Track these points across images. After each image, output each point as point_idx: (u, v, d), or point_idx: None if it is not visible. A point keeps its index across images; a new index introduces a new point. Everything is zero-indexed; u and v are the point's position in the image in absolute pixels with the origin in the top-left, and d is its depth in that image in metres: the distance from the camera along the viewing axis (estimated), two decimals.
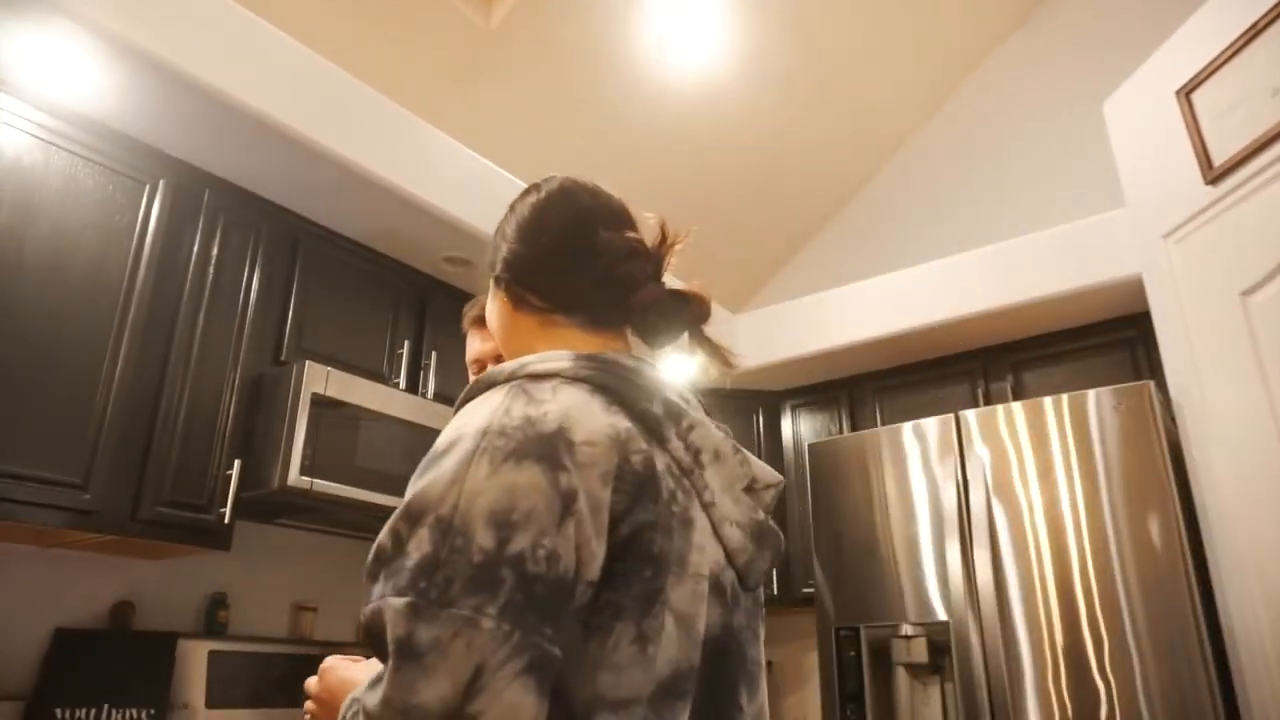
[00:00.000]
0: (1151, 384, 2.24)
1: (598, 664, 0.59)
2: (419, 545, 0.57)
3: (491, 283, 0.85)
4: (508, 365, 0.70)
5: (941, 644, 2.36)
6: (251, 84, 1.97)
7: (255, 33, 2.02)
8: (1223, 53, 2.03)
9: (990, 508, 2.37)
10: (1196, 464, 2.11)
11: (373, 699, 0.54)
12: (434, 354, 2.57)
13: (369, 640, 0.57)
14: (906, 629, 2.41)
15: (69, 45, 1.76)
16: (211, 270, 2.13)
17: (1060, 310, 2.82)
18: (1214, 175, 2.04)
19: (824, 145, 3.56)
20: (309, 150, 2.11)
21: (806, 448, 2.90)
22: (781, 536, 0.79)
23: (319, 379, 2.11)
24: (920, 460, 2.55)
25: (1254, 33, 1.95)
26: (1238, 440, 1.97)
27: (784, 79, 3.24)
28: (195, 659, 2.11)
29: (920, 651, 2.37)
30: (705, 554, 0.66)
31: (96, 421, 1.83)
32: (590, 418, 0.63)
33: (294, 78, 2.08)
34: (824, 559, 2.68)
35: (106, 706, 1.92)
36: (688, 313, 0.79)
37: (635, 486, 0.62)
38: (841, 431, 3.32)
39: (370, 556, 0.60)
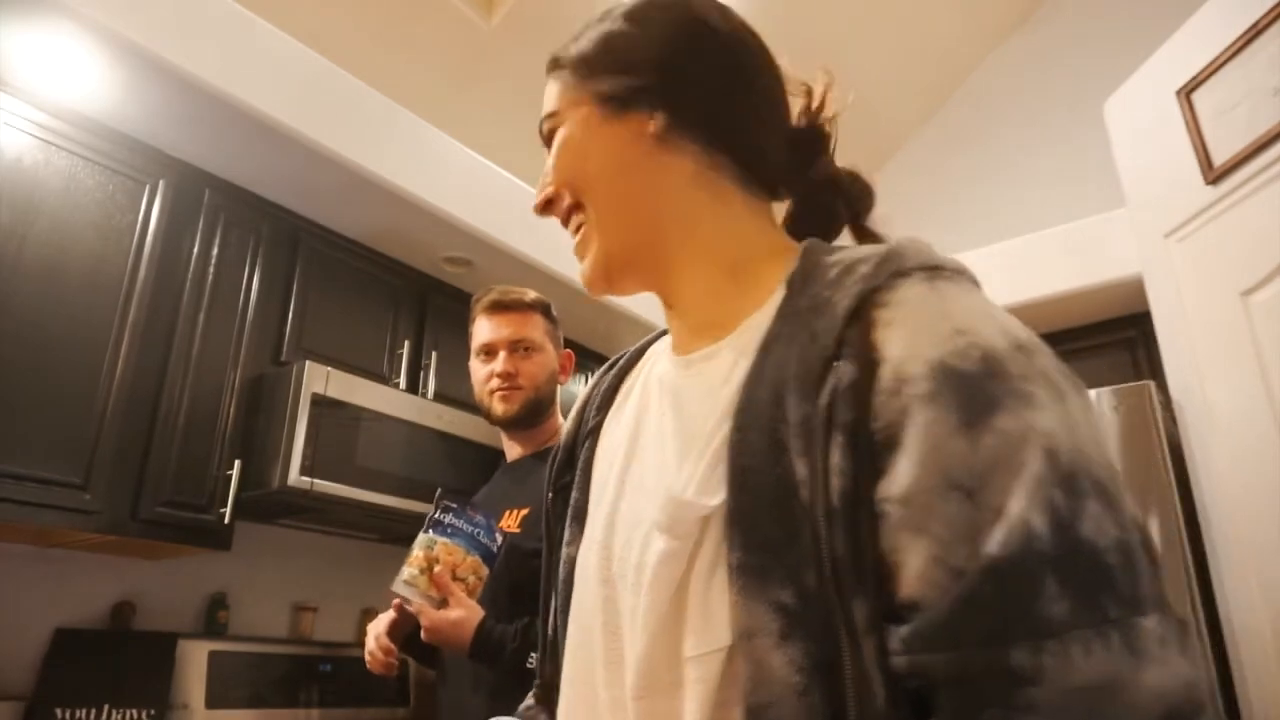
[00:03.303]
0: (1152, 384, 2.23)
1: None
2: (1103, 528, 0.40)
3: (597, 109, 0.60)
4: (918, 246, 0.52)
5: None
6: (251, 84, 1.97)
7: (255, 33, 2.02)
8: (1223, 52, 2.03)
9: None
10: (1197, 464, 2.11)
11: None
12: (434, 354, 2.57)
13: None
14: None
15: (69, 45, 1.76)
16: (211, 270, 2.13)
17: (1060, 310, 2.82)
18: (1214, 175, 2.03)
19: None
20: (309, 150, 2.11)
21: None
22: None
23: (319, 379, 2.11)
24: None
25: (1254, 33, 1.94)
26: (1238, 440, 1.97)
27: None
28: (195, 659, 2.11)
29: None
30: None
31: (96, 421, 1.83)
32: None
33: (294, 78, 2.08)
34: None
35: (106, 707, 1.92)
36: (861, 203, 0.63)
37: None
38: None
39: (1014, 549, 0.39)
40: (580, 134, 0.60)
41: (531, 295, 1.60)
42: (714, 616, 0.48)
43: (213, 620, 2.25)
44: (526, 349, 1.54)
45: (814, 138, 0.62)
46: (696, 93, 0.58)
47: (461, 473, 2.37)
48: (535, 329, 1.56)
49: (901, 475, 0.43)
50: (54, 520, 1.74)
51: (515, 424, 1.55)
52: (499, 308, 1.56)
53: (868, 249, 0.54)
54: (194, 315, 2.07)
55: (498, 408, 1.53)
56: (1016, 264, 2.84)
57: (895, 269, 0.50)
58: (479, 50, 2.76)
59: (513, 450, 1.61)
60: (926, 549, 0.42)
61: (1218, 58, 2.04)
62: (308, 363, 2.11)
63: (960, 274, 0.52)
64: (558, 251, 2.70)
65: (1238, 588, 1.96)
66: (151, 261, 1.99)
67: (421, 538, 1.38)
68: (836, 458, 0.45)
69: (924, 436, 0.43)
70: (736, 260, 0.60)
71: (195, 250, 2.11)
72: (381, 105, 2.30)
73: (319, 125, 2.11)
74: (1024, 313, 2.74)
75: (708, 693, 0.47)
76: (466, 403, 2.54)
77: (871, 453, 0.44)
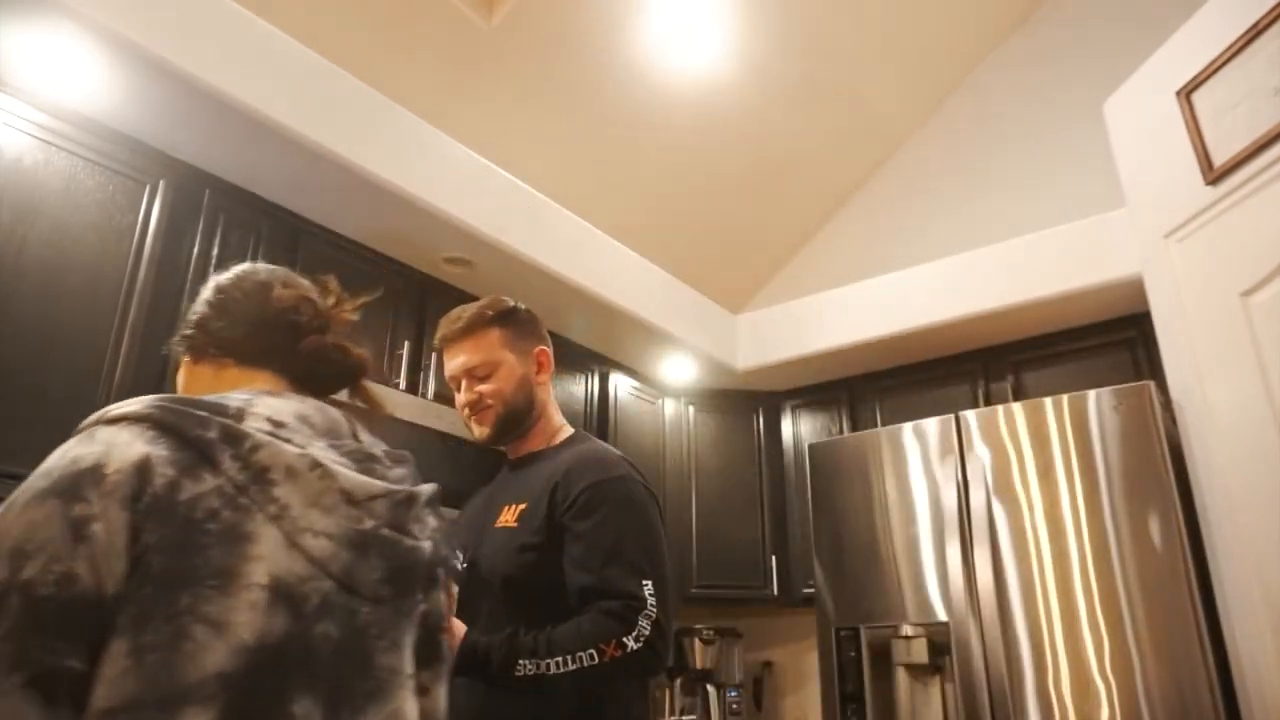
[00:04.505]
0: (1152, 384, 2.24)
1: (98, 679, 0.64)
2: None
3: (181, 354, 0.97)
4: (94, 415, 0.76)
5: (941, 644, 2.36)
6: (251, 84, 1.97)
7: (255, 33, 2.02)
8: (1223, 53, 2.03)
9: (990, 508, 2.37)
10: (1197, 464, 2.11)
11: None
12: (434, 355, 2.57)
13: None
14: (906, 629, 2.41)
15: (69, 45, 1.76)
16: (212, 270, 2.13)
17: (1060, 310, 2.82)
18: (1214, 175, 2.04)
19: (824, 145, 3.56)
20: (309, 150, 2.11)
21: (807, 448, 2.90)
22: (411, 544, 0.83)
23: None
24: (920, 461, 2.55)
25: (1254, 33, 1.95)
26: (1238, 440, 1.97)
27: (784, 79, 3.24)
28: None
29: (920, 652, 2.37)
30: (265, 564, 0.72)
31: None
32: (128, 450, 0.70)
33: (294, 78, 2.08)
34: (824, 559, 2.68)
35: None
36: (347, 364, 0.95)
37: (150, 508, 0.69)
38: (841, 432, 3.32)
39: None
40: (179, 372, 1.00)
41: (471, 313, 1.56)
42: None
43: None
44: (483, 374, 1.53)
45: (305, 323, 0.97)
46: (211, 337, 0.95)
47: (461, 473, 2.37)
48: (486, 347, 1.54)
49: None
50: None
51: (497, 440, 1.55)
52: (445, 342, 1.56)
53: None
54: None
55: (475, 431, 1.55)
56: (1016, 264, 2.84)
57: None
58: (479, 50, 2.76)
59: (514, 451, 1.61)
60: None
61: (1218, 58, 2.04)
62: None
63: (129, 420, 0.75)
64: (557, 251, 2.70)
65: (1238, 588, 1.96)
66: (151, 262, 1.99)
67: None
68: None
69: None
70: None
71: (195, 250, 2.11)
72: (381, 105, 2.30)
73: (319, 125, 2.11)
74: (1024, 313, 2.76)
75: None
76: None
77: None
